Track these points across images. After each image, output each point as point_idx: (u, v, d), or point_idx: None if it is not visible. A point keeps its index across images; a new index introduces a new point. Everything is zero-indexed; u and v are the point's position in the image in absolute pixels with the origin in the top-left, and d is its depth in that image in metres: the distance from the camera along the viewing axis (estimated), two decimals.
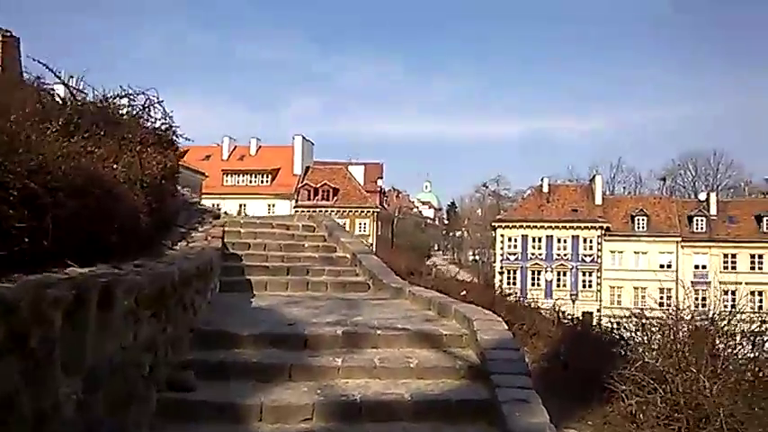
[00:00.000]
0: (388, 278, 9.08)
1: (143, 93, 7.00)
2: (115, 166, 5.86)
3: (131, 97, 6.88)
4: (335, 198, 65.08)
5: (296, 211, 65.44)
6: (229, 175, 68.68)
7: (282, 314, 6.59)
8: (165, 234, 6.49)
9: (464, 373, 4.98)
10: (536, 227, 64.33)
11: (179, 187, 8.51)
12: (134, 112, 6.91)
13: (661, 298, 62.59)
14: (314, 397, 4.48)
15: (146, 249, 5.71)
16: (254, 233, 10.68)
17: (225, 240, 9.90)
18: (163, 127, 7.30)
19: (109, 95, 6.84)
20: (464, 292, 8.75)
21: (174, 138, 7.45)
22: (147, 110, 7.05)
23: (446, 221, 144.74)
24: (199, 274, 5.27)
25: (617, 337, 7.61)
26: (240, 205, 64.58)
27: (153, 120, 7.14)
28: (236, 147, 72.78)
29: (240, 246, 9.99)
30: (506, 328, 5.46)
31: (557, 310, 7.83)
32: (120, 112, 6.85)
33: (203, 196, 55.50)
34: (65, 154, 4.52)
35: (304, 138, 68.63)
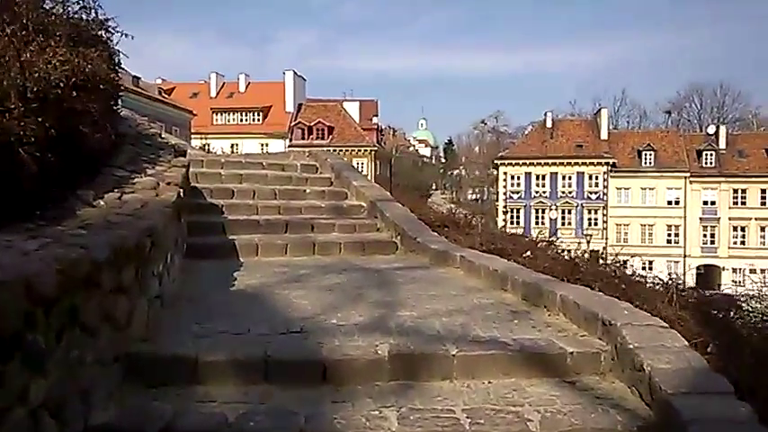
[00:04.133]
0: (422, 235, 6.64)
1: None
2: None
3: None
4: (331, 136, 62.28)
5: (291, 150, 62.62)
6: (219, 114, 65.60)
7: (280, 305, 4.16)
8: (85, 181, 3.98)
9: None
10: (540, 164, 62.17)
11: (121, 109, 5.90)
12: None
13: (669, 235, 61.83)
14: None
15: (34, 209, 3.21)
16: (240, 176, 8.14)
17: (201, 186, 7.41)
18: (84, 16, 4.65)
19: None
20: (528, 253, 6.32)
21: (103, 33, 4.79)
22: None
23: (443, 160, 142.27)
24: (121, 258, 2.79)
25: None
26: (232, 145, 61.62)
27: (63, 1, 4.48)
28: (224, 84, 69.50)
29: (221, 193, 7.49)
30: (686, 343, 3.03)
31: (669, 278, 5.54)
32: None
33: (192, 136, 52.63)
34: None
35: (295, 73, 65.06)
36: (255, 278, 5.10)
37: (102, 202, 3.67)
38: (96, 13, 4.76)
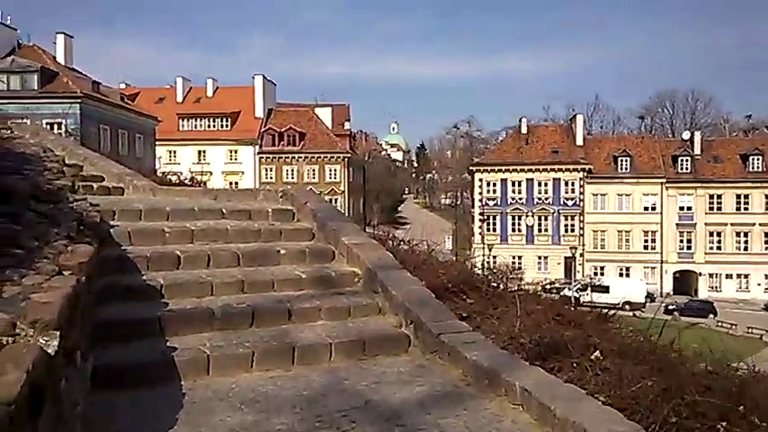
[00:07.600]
0: (446, 328, 4.66)
1: None
2: None
3: None
4: (302, 143, 60.28)
5: (260, 159, 60.10)
6: (185, 120, 62.95)
7: None
8: None
9: None
10: (516, 170, 61.28)
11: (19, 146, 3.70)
12: None
13: (645, 241, 61.34)
14: None
15: None
16: (191, 231, 6.05)
17: (135, 251, 5.35)
18: None
19: None
20: (597, 353, 4.38)
21: None
22: None
23: (415, 164, 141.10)
24: None
25: None
26: (199, 152, 58.96)
27: None
28: (191, 88, 66.93)
29: (162, 261, 5.39)
30: None
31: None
32: None
33: (157, 143, 49.78)
34: None
35: (265, 77, 62.76)
36: None
37: None
38: None
